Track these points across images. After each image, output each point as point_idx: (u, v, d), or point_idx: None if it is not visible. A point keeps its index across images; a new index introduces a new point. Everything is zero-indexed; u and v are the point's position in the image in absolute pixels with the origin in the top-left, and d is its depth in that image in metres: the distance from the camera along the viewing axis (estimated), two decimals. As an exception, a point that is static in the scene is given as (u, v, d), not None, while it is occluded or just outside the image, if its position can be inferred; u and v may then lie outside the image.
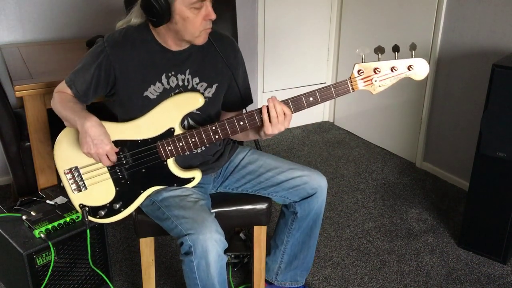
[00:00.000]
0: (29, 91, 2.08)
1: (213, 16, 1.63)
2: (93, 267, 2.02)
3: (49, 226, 1.92)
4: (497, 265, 2.40)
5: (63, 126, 1.76)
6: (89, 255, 1.97)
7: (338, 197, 2.97)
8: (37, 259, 1.87)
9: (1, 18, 2.76)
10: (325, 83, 3.98)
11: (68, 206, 2.03)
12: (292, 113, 1.66)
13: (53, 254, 1.90)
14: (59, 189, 2.18)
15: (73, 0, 2.90)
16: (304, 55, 3.82)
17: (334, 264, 2.39)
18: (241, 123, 1.67)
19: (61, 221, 1.95)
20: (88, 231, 1.90)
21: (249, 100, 1.92)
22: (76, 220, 1.99)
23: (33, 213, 1.98)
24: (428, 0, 3.02)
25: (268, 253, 2.11)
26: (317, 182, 1.89)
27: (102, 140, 1.61)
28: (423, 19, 3.09)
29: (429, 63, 3.15)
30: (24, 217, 1.96)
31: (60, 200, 2.08)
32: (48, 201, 2.07)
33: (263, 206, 1.90)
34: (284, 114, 1.64)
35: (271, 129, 1.65)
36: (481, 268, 2.39)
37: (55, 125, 2.19)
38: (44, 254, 1.88)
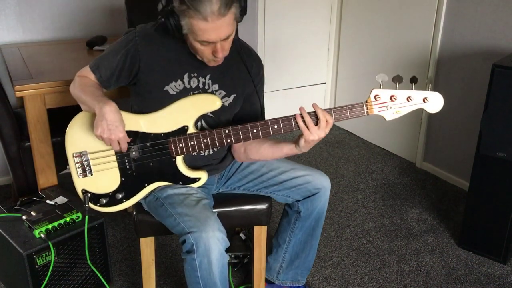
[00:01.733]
0: (29, 91, 2.08)
1: (221, 55, 1.62)
2: (89, 264, 2.02)
3: (49, 226, 1.92)
4: (497, 265, 2.40)
5: (64, 126, 1.75)
6: (86, 247, 1.94)
7: (338, 197, 2.97)
8: (37, 259, 1.86)
9: (1, 18, 2.76)
10: (325, 83, 3.98)
11: (68, 206, 2.03)
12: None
13: (53, 254, 1.90)
14: (59, 189, 2.18)
15: (73, 0, 2.90)
16: (304, 55, 3.82)
17: (334, 264, 2.39)
18: (254, 130, 1.68)
19: (61, 221, 1.95)
20: (86, 218, 1.89)
21: (263, 118, 1.92)
22: (76, 220, 1.98)
23: (33, 213, 1.98)
24: (428, 0, 3.03)
25: (269, 252, 2.12)
26: (320, 182, 1.89)
27: (117, 126, 1.60)
28: (423, 19, 3.09)
29: (429, 63, 3.17)
30: (24, 217, 1.96)
31: (60, 200, 2.08)
32: (48, 201, 2.07)
33: (263, 206, 1.90)
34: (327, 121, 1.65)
35: (311, 135, 1.65)
36: (481, 268, 2.39)
37: (55, 125, 2.19)
38: (44, 254, 1.88)
